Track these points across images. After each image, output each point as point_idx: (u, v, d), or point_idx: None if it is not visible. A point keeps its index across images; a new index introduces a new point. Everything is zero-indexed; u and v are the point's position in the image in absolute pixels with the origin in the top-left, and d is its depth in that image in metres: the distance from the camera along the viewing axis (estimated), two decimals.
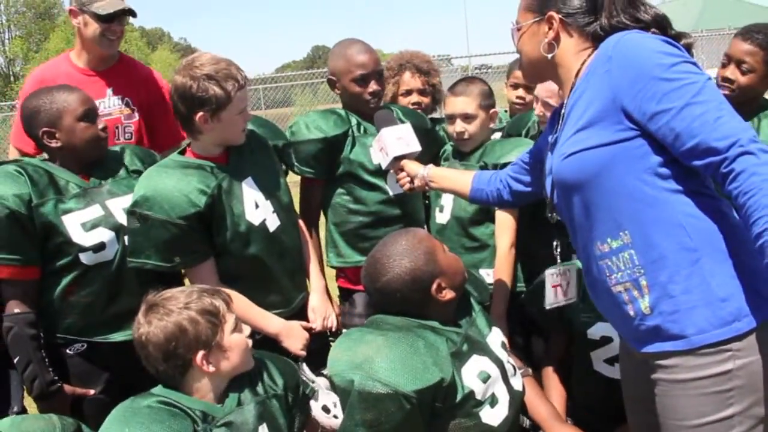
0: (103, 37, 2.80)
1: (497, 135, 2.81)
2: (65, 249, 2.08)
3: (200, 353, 1.64)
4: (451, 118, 2.52)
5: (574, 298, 2.12)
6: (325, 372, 1.90)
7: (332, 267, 2.62)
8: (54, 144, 2.12)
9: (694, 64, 1.43)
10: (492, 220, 2.46)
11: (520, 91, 3.07)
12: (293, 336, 2.19)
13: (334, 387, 1.70)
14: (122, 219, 2.13)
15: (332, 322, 2.38)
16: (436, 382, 1.63)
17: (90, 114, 2.15)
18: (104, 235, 2.12)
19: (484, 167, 2.43)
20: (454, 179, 2.17)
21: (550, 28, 1.58)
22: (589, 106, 1.49)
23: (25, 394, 2.24)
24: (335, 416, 1.90)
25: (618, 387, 1.82)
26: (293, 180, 2.47)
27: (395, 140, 2.23)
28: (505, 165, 2.21)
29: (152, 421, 1.55)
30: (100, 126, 2.17)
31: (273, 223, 2.20)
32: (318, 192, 2.56)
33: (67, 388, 2.13)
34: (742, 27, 2.66)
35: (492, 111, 2.55)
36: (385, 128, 2.26)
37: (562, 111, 1.62)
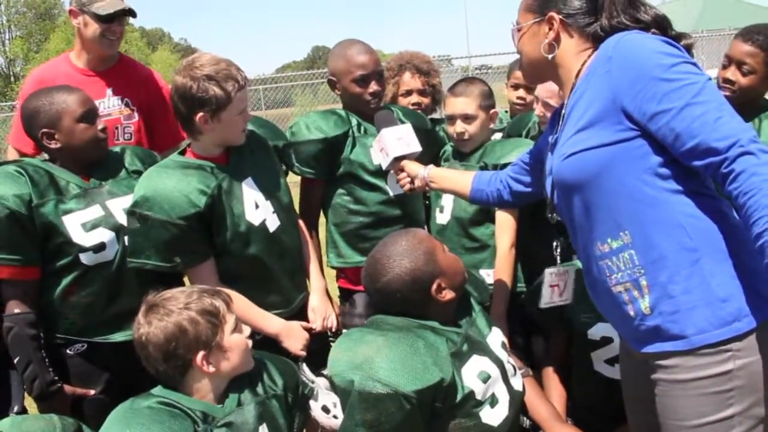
0: (103, 38, 2.80)
1: (498, 135, 2.81)
2: (65, 249, 2.09)
3: (200, 354, 1.63)
4: (451, 119, 2.52)
5: (569, 300, 2.14)
6: (325, 372, 1.90)
7: (332, 267, 2.62)
8: (53, 145, 2.12)
9: (694, 64, 1.43)
10: (492, 220, 2.46)
11: (521, 92, 3.07)
12: (293, 336, 2.19)
13: (334, 387, 1.70)
14: (122, 219, 2.13)
15: (332, 323, 2.38)
16: (436, 382, 1.63)
17: (89, 115, 2.14)
18: (104, 235, 2.12)
19: (485, 168, 2.43)
20: (455, 180, 2.17)
21: (550, 29, 1.58)
22: (589, 107, 1.49)
23: (26, 394, 2.24)
24: (335, 416, 1.90)
25: (618, 387, 1.83)
26: (293, 180, 2.47)
27: (395, 141, 2.23)
28: (505, 165, 2.21)
29: (153, 421, 1.55)
30: (100, 127, 2.17)
31: (273, 223, 2.20)
32: (318, 192, 2.56)
33: (67, 388, 2.13)
34: (742, 28, 2.66)
35: (492, 111, 2.55)
36: (385, 129, 2.27)
37: (563, 111, 1.62)
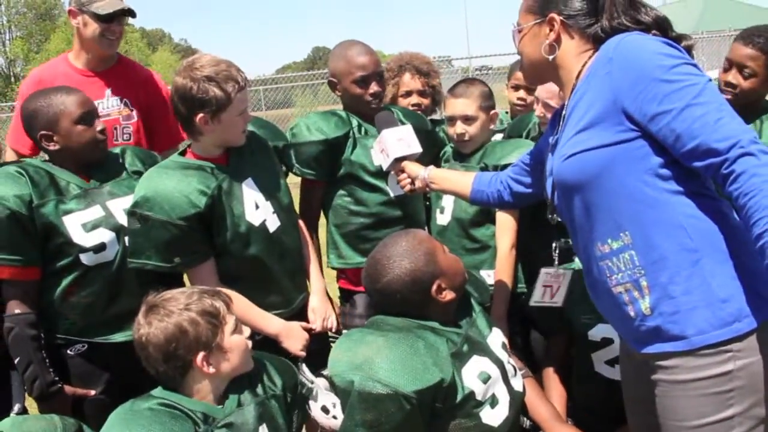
0: (102, 37, 2.80)
1: (498, 136, 2.81)
2: (66, 249, 2.09)
3: (200, 354, 1.63)
4: (452, 120, 2.52)
5: (559, 303, 2.15)
6: (324, 372, 1.90)
7: (333, 268, 2.62)
8: (52, 147, 2.13)
9: (695, 65, 1.43)
10: (492, 221, 2.46)
11: (521, 93, 3.07)
12: (293, 336, 2.19)
13: (333, 387, 1.70)
14: (123, 220, 2.13)
15: (332, 323, 2.38)
16: (436, 382, 1.63)
17: (87, 117, 2.14)
18: (105, 235, 2.12)
19: (485, 169, 2.43)
20: (455, 180, 2.18)
21: (551, 30, 1.59)
22: (590, 108, 1.49)
23: (26, 394, 2.24)
24: (334, 417, 1.90)
25: (619, 388, 1.83)
26: (293, 181, 2.47)
27: (396, 142, 2.24)
28: (505, 166, 2.21)
29: (153, 423, 1.55)
30: (99, 128, 2.17)
31: (273, 223, 2.20)
32: (319, 193, 2.56)
33: (68, 388, 2.13)
34: (742, 29, 2.66)
35: (492, 112, 2.55)
36: (385, 130, 2.27)
37: (563, 112, 1.63)
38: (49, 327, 2.12)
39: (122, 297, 2.15)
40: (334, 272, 2.67)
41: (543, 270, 2.10)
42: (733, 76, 2.52)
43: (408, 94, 2.98)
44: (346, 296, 2.63)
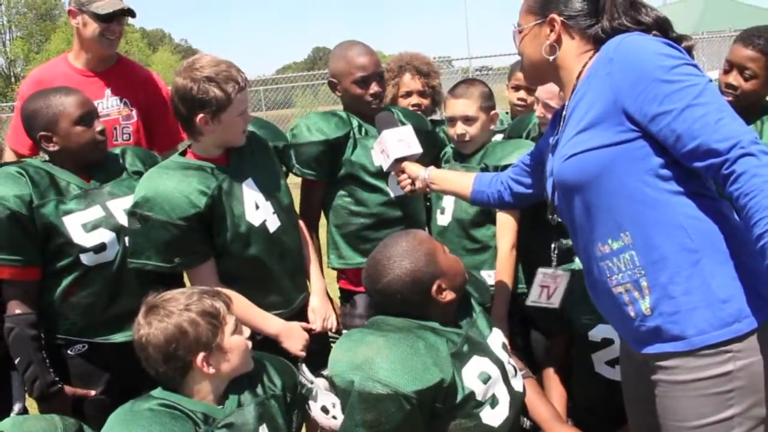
0: (102, 37, 2.80)
1: (498, 137, 2.81)
2: (66, 250, 2.09)
3: (200, 355, 1.63)
4: (452, 121, 2.52)
5: (556, 305, 2.14)
6: (324, 372, 1.90)
7: (333, 268, 2.62)
8: (52, 148, 2.13)
9: (695, 66, 1.43)
10: (493, 221, 2.46)
11: (522, 93, 3.07)
12: (293, 337, 2.19)
13: (333, 387, 1.70)
14: (123, 220, 2.13)
15: (332, 323, 2.38)
16: (436, 382, 1.63)
17: (86, 117, 2.14)
18: (105, 236, 2.12)
19: (485, 169, 2.43)
20: (455, 181, 2.18)
21: (551, 31, 1.59)
22: (590, 108, 1.49)
23: (27, 394, 2.25)
24: (334, 417, 1.90)
25: (619, 389, 1.83)
26: (294, 181, 2.47)
27: (396, 142, 2.24)
28: (506, 167, 2.21)
29: (154, 423, 1.55)
30: (98, 128, 2.17)
31: (273, 224, 2.20)
32: (319, 194, 2.56)
33: (68, 389, 2.13)
34: (742, 30, 2.66)
35: (492, 113, 2.55)
36: (386, 130, 2.27)
37: (564, 113, 1.63)
38: (49, 327, 2.12)
39: (122, 297, 2.15)
40: (335, 272, 2.67)
41: (540, 270, 2.10)
42: (734, 78, 2.51)
43: (408, 94, 2.98)
44: (347, 296, 2.63)
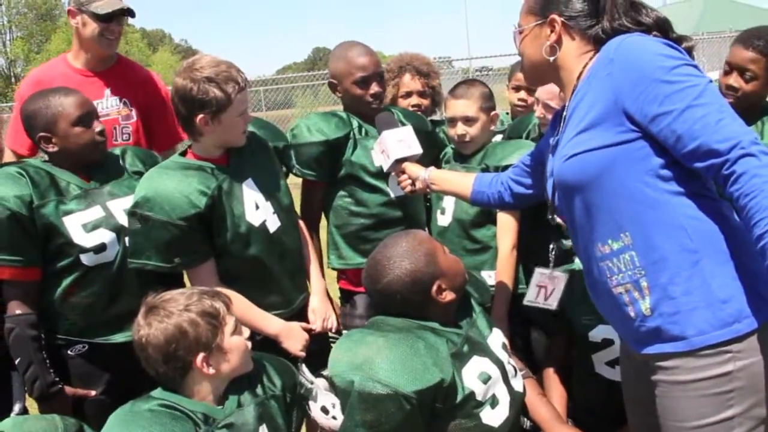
0: (101, 37, 2.80)
1: (498, 137, 2.81)
2: (66, 250, 2.09)
3: (200, 355, 1.63)
4: (452, 121, 2.52)
5: (554, 306, 2.14)
6: (324, 373, 1.90)
7: (333, 269, 2.62)
8: (51, 148, 2.13)
9: (695, 66, 1.44)
10: (493, 222, 2.46)
11: (522, 94, 3.08)
12: (293, 337, 2.19)
13: (334, 388, 1.70)
14: (123, 220, 2.13)
15: (332, 324, 2.38)
16: (436, 382, 1.63)
17: (85, 118, 2.14)
18: (105, 236, 2.12)
19: (486, 170, 2.43)
20: (455, 181, 2.18)
21: (552, 31, 1.59)
22: (590, 109, 1.49)
23: (27, 395, 2.24)
24: (334, 417, 1.90)
25: (619, 389, 1.83)
26: (294, 182, 2.47)
27: (396, 143, 2.24)
28: (506, 167, 2.22)
29: (154, 424, 1.55)
30: (98, 129, 2.17)
31: (273, 224, 2.20)
32: (319, 194, 2.56)
33: (68, 389, 2.13)
34: (741, 31, 2.65)
35: (493, 113, 2.55)
36: (386, 131, 2.27)
37: (564, 113, 1.63)
38: (49, 327, 2.12)
39: (123, 297, 2.15)
40: (335, 273, 2.67)
41: (537, 269, 2.10)
42: (735, 80, 2.51)
43: (408, 94, 2.98)
44: (347, 297, 2.63)
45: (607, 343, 2.11)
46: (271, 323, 2.17)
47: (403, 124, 2.41)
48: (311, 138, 2.45)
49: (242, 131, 2.14)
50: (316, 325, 2.31)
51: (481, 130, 2.51)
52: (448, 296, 1.80)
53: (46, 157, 2.21)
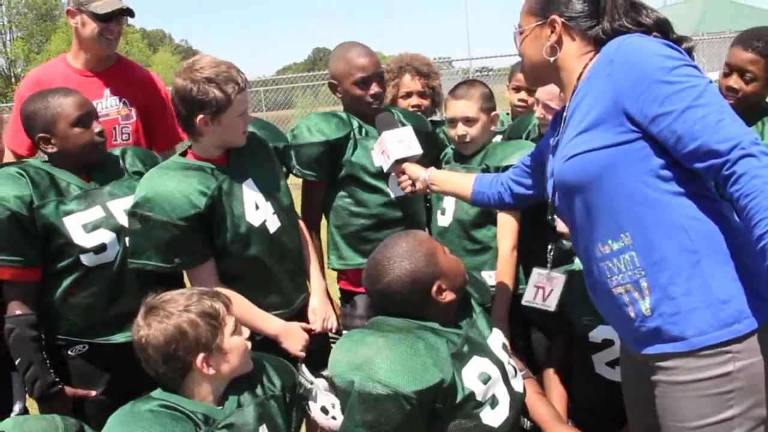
0: (101, 37, 2.80)
1: (498, 138, 2.81)
2: (66, 250, 2.09)
3: (200, 356, 1.63)
4: (453, 122, 2.52)
5: (552, 307, 2.14)
6: (324, 373, 1.90)
7: (334, 269, 2.62)
8: (50, 149, 2.13)
9: (695, 67, 1.44)
10: (494, 222, 2.46)
11: (522, 94, 3.08)
12: (293, 337, 2.19)
13: (334, 388, 1.70)
14: (123, 220, 2.13)
15: (332, 324, 2.38)
16: (436, 383, 1.64)
17: (85, 119, 2.14)
18: (105, 236, 2.12)
19: (486, 170, 2.43)
20: (456, 182, 2.18)
21: (552, 32, 1.59)
22: (591, 109, 1.49)
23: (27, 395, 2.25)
24: (334, 417, 1.90)
25: (619, 390, 1.83)
26: (294, 182, 2.47)
27: (397, 143, 2.24)
28: (506, 168, 2.22)
29: (154, 425, 1.55)
30: (97, 129, 2.17)
31: (273, 224, 2.20)
32: (319, 194, 2.56)
33: (69, 389, 2.13)
34: (740, 32, 2.65)
35: (493, 114, 2.55)
36: (386, 131, 2.27)
37: (564, 114, 1.63)
38: (49, 328, 2.12)
39: (123, 298, 2.15)
40: (335, 273, 2.67)
41: (535, 269, 2.10)
42: (735, 81, 2.51)
43: (408, 95, 2.98)
44: (347, 297, 2.63)
45: (608, 343, 2.11)
46: (271, 323, 2.17)
47: (403, 125, 2.41)
48: (311, 138, 2.45)
49: (242, 132, 2.14)
50: (316, 325, 2.31)
51: (482, 130, 2.51)
52: (448, 296, 1.80)
53: (46, 158, 2.22)
